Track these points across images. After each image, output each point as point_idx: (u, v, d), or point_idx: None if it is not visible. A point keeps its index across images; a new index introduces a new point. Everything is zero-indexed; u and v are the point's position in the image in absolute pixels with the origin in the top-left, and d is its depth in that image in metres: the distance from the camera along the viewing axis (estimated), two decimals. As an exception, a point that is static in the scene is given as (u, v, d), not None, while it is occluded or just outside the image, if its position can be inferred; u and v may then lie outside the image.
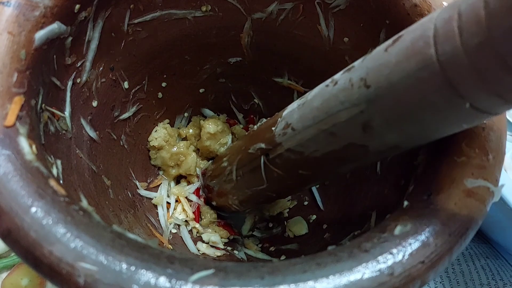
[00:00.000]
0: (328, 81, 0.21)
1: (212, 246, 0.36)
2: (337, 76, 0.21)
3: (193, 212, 0.38)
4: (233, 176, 0.31)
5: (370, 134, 0.19)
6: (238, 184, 0.32)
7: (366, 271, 0.18)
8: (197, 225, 0.38)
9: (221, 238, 0.37)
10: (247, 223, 0.39)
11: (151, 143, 0.38)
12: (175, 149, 0.39)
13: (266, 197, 0.32)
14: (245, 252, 0.36)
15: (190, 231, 0.38)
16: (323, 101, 0.21)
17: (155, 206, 0.37)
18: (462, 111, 0.16)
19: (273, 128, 0.26)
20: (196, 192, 0.40)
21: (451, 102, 0.15)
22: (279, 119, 0.25)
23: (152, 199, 0.37)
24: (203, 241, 0.37)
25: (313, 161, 0.24)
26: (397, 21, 0.26)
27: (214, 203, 0.38)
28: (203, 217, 0.39)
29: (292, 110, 0.24)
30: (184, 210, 0.38)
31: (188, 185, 0.40)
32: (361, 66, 0.19)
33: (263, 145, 0.27)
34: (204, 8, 0.32)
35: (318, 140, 0.22)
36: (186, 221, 0.38)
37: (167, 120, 0.39)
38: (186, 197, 0.39)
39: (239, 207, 0.35)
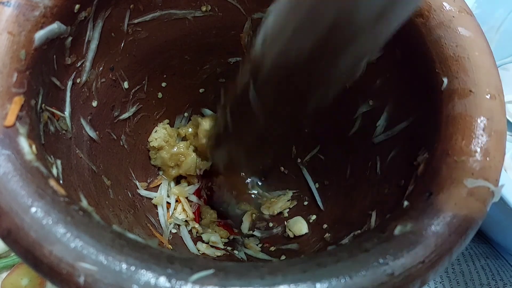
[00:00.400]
0: None
1: (212, 246, 0.36)
2: None
3: (193, 213, 0.38)
4: (229, 123, 0.29)
5: None
6: (235, 132, 0.29)
7: (366, 271, 0.18)
8: (197, 225, 0.38)
9: (221, 238, 0.37)
10: (245, 222, 0.39)
11: (151, 144, 0.38)
12: (175, 149, 0.39)
13: (267, 143, 0.29)
14: (245, 252, 0.36)
15: (190, 231, 0.38)
16: None
17: (155, 206, 0.37)
18: None
19: (255, 44, 0.22)
20: (197, 193, 0.40)
21: None
22: (259, 32, 0.21)
23: (152, 199, 0.37)
24: (203, 241, 0.37)
25: (300, 68, 0.20)
26: (397, 21, 0.26)
27: (222, 192, 0.37)
28: (203, 217, 0.39)
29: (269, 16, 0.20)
30: (184, 210, 0.38)
31: (188, 185, 0.40)
32: None
33: (248, 67, 0.23)
34: (204, 8, 0.32)
35: (300, 34, 0.19)
36: (186, 221, 0.38)
37: (167, 121, 0.39)
38: (187, 198, 0.39)
39: (249, 167, 0.33)
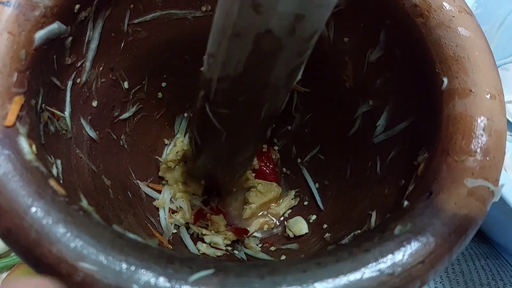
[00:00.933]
0: None
1: (212, 246, 0.36)
2: None
3: (193, 215, 0.38)
4: (198, 141, 0.31)
5: (264, 13, 0.18)
6: (206, 152, 0.31)
7: (366, 271, 0.18)
8: (195, 227, 0.38)
9: (224, 240, 0.37)
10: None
11: (168, 157, 0.38)
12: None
13: (236, 153, 0.31)
14: (245, 252, 0.36)
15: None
16: (219, 8, 0.21)
17: (156, 207, 0.37)
18: None
19: (201, 69, 0.25)
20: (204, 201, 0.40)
21: None
22: (204, 57, 0.24)
23: (153, 198, 0.37)
24: (204, 241, 0.37)
25: (242, 79, 0.22)
26: (397, 22, 0.26)
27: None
28: (212, 225, 0.38)
29: (208, 41, 0.23)
30: (183, 212, 0.38)
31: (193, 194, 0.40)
32: None
33: (202, 92, 0.26)
34: (204, 8, 0.32)
35: (232, 50, 0.21)
36: (187, 223, 0.38)
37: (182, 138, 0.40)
38: (190, 201, 0.39)
39: (234, 176, 0.35)
